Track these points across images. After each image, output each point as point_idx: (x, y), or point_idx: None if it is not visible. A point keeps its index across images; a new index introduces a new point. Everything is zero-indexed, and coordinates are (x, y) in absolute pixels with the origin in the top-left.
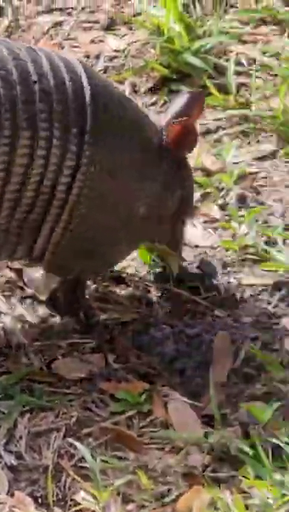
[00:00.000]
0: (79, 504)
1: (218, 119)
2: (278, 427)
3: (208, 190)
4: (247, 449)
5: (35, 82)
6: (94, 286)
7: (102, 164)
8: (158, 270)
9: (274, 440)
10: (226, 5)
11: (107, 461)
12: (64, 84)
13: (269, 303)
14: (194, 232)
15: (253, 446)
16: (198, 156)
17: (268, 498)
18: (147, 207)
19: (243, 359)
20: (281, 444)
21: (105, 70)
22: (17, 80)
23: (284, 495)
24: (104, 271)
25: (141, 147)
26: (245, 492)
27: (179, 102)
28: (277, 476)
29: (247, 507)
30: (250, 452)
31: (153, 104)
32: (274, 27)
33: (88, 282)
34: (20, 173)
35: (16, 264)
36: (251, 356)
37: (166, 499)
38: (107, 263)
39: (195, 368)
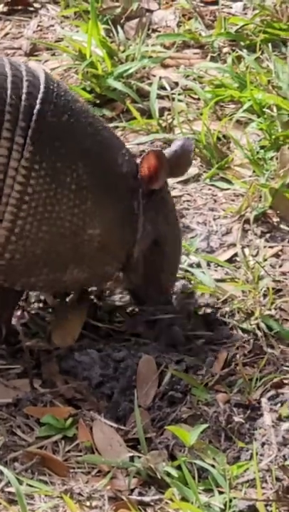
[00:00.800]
0: None
1: (142, 143)
2: (204, 449)
3: None
4: (173, 471)
5: None
6: (20, 311)
7: (44, 167)
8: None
9: (200, 462)
10: (148, 29)
11: (33, 486)
12: (20, 82)
13: None
14: None
15: (179, 469)
16: None
17: None
18: (96, 234)
19: (168, 382)
20: (207, 467)
21: None
22: None
23: None
24: (46, 291)
25: (95, 168)
26: None
27: (171, 147)
28: (204, 498)
29: None
30: (176, 475)
31: None
32: (196, 50)
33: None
34: None
35: None
36: (176, 379)
37: None
38: (49, 283)
39: (121, 392)
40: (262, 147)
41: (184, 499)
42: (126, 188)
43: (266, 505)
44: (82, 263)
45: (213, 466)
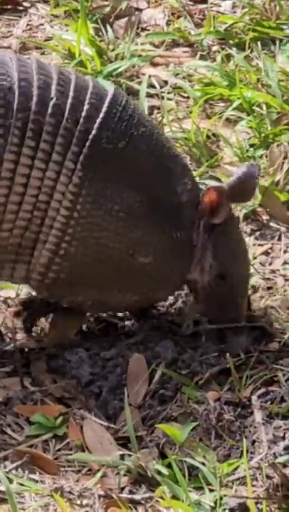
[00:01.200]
0: None
1: None
2: (194, 447)
3: None
4: (163, 469)
5: (51, 98)
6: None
7: (92, 194)
8: None
9: (190, 460)
10: (138, 28)
11: (23, 484)
12: (80, 105)
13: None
14: None
15: (169, 467)
16: None
17: None
18: (148, 263)
19: (158, 381)
20: (197, 464)
21: None
22: (35, 91)
23: None
24: (94, 311)
25: (148, 198)
26: None
27: (235, 175)
28: (194, 496)
29: None
30: (167, 473)
31: None
32: (186, 49)
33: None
34: (21, 183)
35: None
36: (167, 378)
37: None
38: (94, 303)
39: (110, 390)
40: (251, 145)
41: (174, 497)
42: (184, 218)
43: (257, 503)
44: (132, 288)
45: (203, 464)
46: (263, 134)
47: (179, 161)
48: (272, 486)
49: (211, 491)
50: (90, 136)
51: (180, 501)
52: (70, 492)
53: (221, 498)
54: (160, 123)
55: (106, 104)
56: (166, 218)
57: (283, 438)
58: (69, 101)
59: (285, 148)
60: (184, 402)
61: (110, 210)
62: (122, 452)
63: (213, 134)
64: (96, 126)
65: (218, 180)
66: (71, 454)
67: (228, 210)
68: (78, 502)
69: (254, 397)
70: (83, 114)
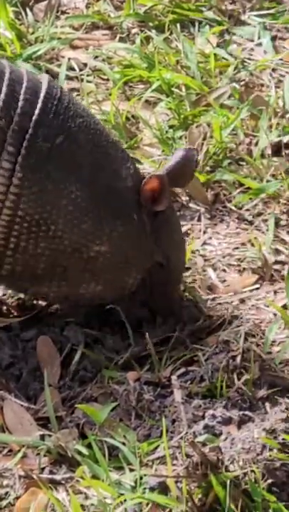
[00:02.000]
0: None
1: None
2: (114, 427)
3: None
4: (83, 450)
5: None
6: None
7: (35, 192)
8: None
9: (110, 440)
10: (58, 11)
11: None
12: (14, 101)
13: None
14: None
15: (89, 447)
16: None
17: (104, 498)
18: (105, 251)
19: (78, 362)
20: (117, 444)
21: None
22: None
23: (121, 494)
24: (61, 303)
25: (93, 188)
26: (82, 493)
27: (172, 159)
28: (114, 476)
29: (84, 507)
30: (87, 453)
31: None
32: (105, 31)
33: None
34: None
35: None
36: (87, 359)
37: (3, 502)
38: (59, 295)
39: (30, 372)
40: (171, 126)
41: (94, 477)
42: (132, 201)
43: (176, 482)
44: (94, 278)
45: (123, 443)
46: (182, 116)
47: (119, 147)
48: (191, 465)
49: (132, 470)
50: (27, 136)
51: (100, 481)
52: None
53: (141, 478)
54: None
55: (41, 99)
56: (115, 204)
57: (203, 417)
58: (1, 97)
59: (204, 130)
60: (103, 383)
61: (56, 206)
62: (42, 433)
63: (133, 116)
64: (32, 124)
65: (138, 162)
66: None
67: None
68: None
69: (174, 377)
70: (18, 111)
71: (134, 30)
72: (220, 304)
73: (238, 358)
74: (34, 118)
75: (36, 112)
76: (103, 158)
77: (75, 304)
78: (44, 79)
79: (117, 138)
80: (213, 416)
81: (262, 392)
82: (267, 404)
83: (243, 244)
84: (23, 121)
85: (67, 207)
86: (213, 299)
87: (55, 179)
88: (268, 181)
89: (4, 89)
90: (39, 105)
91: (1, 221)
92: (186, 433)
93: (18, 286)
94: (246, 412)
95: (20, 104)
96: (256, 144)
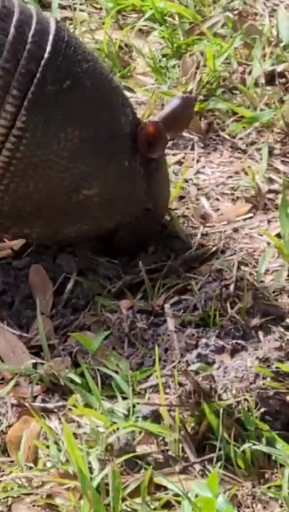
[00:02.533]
0: None
1: None
2: (107, 355)
3: None
4: (76, 378)
5: None
6: None
7: (36, 136)
8: None
9: (103, 369)
10: None
11: None
12: (22, 43)
13: None
14: None
15: (82, 376)
16: None
17: (97, 426)
18: (94, 194)
19: (71, 290)
20: (110, 373)
21: None
22: None
23: (114, 423)
24: (42, 241)
25: (93, 133)
26: (74, 421)
27: (169, 106)
28: (107, 405)
29: (76, 436)
30: (80, 381)
31: None
32: None
33: None
34: None
35: None
36: (80, 287)
37: None
38: (41, 235)
39: (23, 300)
40: (164, 55)
41: (87, 405)
42: (127, 148)
43: (169, 410)
44: (80, 219)
45: (116, 372)
46: (175, 44)
47: (120, 92)
48: (184, 393)
49: (124, 399)
50: (35, 80)
51: (93, 409)
52: None
53: (134, 406)
54: None
55: (50, 42)
56: (111, 151)
57: (196, 346)
58: (9, 39)
59: (198, 58)
60: (96, 311)
61: (55, 150)
62: (34, 361)
63: (126, 45)
64: (40, 68)
65: (131, 91)
66: None
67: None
68: None
69: (167, 306)
70: (25, 54)
71: None
72: (213, 233)
73: (232, 287)
74: (43, 62)
75: (45, 55)
76: (105, 105)
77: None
78: (51, 20)
79: (110, 68)
80: (206, 345)
81: (255, 321)
82: (260, 333)
83: (236, 173)
84: (30, 65)
85: (63, 152)
86: (206, 228)
87: (58, 124)
88: (261, 110)
89: (12, 30)
90: (48, 48)
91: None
92: (179, 362)
93: (3, 226)
94: (239, 341)
95: (28, 46)
96: (250, 73)
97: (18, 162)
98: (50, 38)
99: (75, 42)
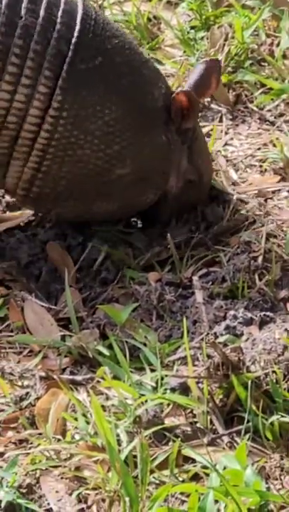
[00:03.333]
0: None
1: None
2: (135, 328)
3: None
4: (104, 350)
5: (20, 17)
6: None
7: (71, 115)
8: None
9: (131, 341)
10: None
11: None
12: (51, 25)
13: None
14: None
15: (110, 348)
16: None
17: (125, 398)
18: (126, 173)
19: (100, 263)
20: (138, 345)
21: None
22: (3, 10)
23: (142, 395)
24: (79, 220)
25: (127, 110)
26: (103, 393)
27: (195, 72)
28: (135, 377)
29: (105, 408)
30: (108, 354)
31: None
32: None
33: None
34: None
35: None
36: (109, 261)
37: (24, 402)
38: (80, 214)
39: (50, 272)
40: (192, 27)
41: (115, 378)
42: (161, 122)
43: (197, 382)
44: (114, 197)
45: (144, 344)
46: (203, 16)
47: (151, 66)
48: (212, 365)
49: (152, 371)
50: (67, 59)
51: (121, 382)
52: (11, 373)
53: (162, 378)
54: (101, 6)
55: (78, 22)
56: (145, 127)
57: (224, 318)
58: (39, 21)
59: (226, 30)
60: (125, 284)
61: (92, 128)
62: (63, 333)
63: (154, 17)
64: (72, 47)
65: (160, 63)
66: (12, 336)
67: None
68: (19, 383)
69: (195, 278)
70: (55, 35)
71: None
72: (243, 203)
73: (260, 259)
74: (73, 41)
75: (75, 34)
76: (137, 80)
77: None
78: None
79: (139, 40)
80: (235, 317)
81: (283, 293)
82: (288, 305)
83: (264, 144)
84: (61, 45)
85: (100, 130)
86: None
87: (92, 101)
88: None
89: (42, 12)
90: (77, 27)
91: (38, 145)
92: (208, 334)
93: (42, 208)
94: (267, 313)
95: (57, 27)
96: (278, 45)
97: (57, 143)
98: (79, 17)
99: (103, 20)
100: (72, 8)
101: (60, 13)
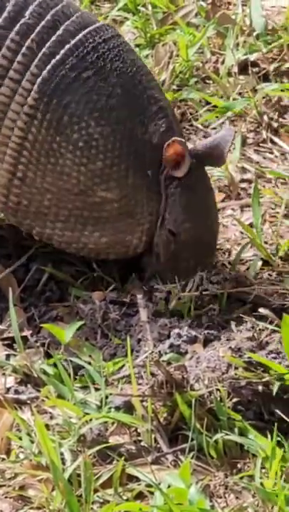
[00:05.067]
0: None
1: None
2: (80, 346)
3: None
4: (49, 369)
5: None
6: None
7: (48, 119)
8: None
9: (76, 360)
10: None
11: None
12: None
13: None
14: None
15: (55, 367)
16: None
17: (70, 417)
18: (111, 198)
19: (44, 282)
20: (83, 364)
21: None
22: (9, 8)
23: (86, 414)
24: (64, 248)
25: (114, 130)
26: (47, 412)
27: (216, 136)
28: (80, 395)
29: (49, 427)
30: (52, 373)
31: None
32: None
33: None
34: None
35: None
36: (53, 280)
37: None
38: (65, 239)
39: None
40: (137, 45)
41: (60, 396)
42: (153, 159)
43: (142, 401)
44: (98, 226)
45: (89, 363)
46: (148, 34)
47: (158, 103)
48: (156, 384)
49: (97, 389)
50: (53, 60)
51: (66, 400)
52: None
53: (107, 397)
54: None
55: (83, 33)
56: (132, 155)
57: (168, 336)
58: (42, 23)
59: (171, 48)
60: (69, 302)
61: (68, 138)
62: (7, 352)
63: None
64: (63, 51)
65: None
66: None
67: (192, 165)
68: None
69: (139, 296)
70: (53, 38)
71: None
72: None
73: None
74: (67, 46)
75: (72, 41)
76: (132, 106)
77: (79, 254)
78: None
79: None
80: (179, 335)
81: (228, 311)
82: (233, 323)
83: None
84: (56, 48)
85: (78, 142)
86: None
87: (73, 109)
88: (234, 99)
89: (48, 17)
90: (78, 37)
91: (12, 143)
92: (152, 352)
93: (24, 224)
94: (212, 331)
95: (59, 32)
96: (223, 62)
97: (31, 147)
98: (86, 30)
99: (118, 44)
100: (86, 22)
101: (67, 22)
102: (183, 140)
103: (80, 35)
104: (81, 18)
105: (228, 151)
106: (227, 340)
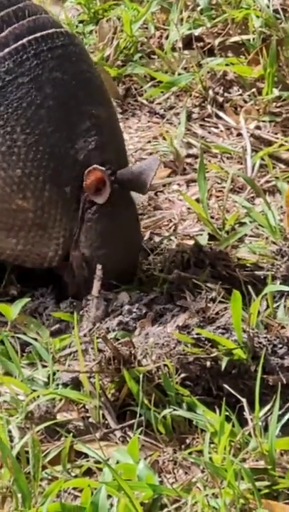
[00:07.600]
0: None
1: None
2: (27, 323)
3: None
4: None
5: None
6: None
7: None
8: None
9: (23, 337)
10: None
11: None
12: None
13: None
14: None
15: (1, 344)
16: None
17: (17, 394)
18: (27, 209)
19: None
20: (30, 340)
21: None
22: None
23: (34, 390)
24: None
25: (37, 141)
26: None
27: (141, 163)
28: (27, 372)
29: None
30: None
31: None
32: None
33: None
34: None
35: None
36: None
37: None
38: None
39: None
40: (81, 21)
41: (7, 374)
42: (73, 176)
43: (89, 377)
44: (14, 233)
45: (36, 339)
46: (92, 10)
47: (92, 119)
48: (104, 360)
49: (44, 366)
50: None
51: (13, 378)
52: None
53: (54, 374)
54: None
55: (28, 38)
56: (51, 170)
57: (117, 312)
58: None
59: (115, 24)
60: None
61: None
62: None
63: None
64: (1, 54)
65: None
66: None
67: (114, 191)
68: None
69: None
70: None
71: None
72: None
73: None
74: (7, 49)
75: (14, 45)
76: (61, 121)
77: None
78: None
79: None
80: (129, 311)
81: (177, 287)
82: (181, 300)
83: (155, 138)
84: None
85: (2, 147)
86: None
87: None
88: (179, 74)
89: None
90: (22, 41)
91: None
92: (99, 328)
93: None
94: (161, 306)
95: (2, 34)
96: (167, 38)
97: None
98: (33, 36)
99: (68, 54)
100: (36, 26)
101: (15, 25)
102: (103, 168)
103: (24, 40)
104: (33, 23)
105: (152, 180)
106: (176, 316)
